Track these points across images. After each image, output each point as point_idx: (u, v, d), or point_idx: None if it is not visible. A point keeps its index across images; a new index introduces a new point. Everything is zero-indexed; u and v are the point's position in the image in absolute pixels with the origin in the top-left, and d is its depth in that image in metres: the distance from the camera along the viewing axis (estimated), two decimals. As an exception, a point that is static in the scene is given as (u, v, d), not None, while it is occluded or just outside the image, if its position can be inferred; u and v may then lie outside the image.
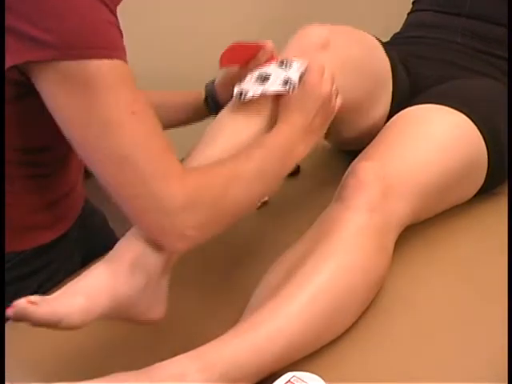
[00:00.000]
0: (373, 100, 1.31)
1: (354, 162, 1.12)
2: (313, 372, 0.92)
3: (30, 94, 0.92)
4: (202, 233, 0.95)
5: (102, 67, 0.86)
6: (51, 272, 1.17)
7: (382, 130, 1.20)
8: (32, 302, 0.85)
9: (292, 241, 1.11)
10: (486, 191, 1.26)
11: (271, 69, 1.11)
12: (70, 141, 0.91)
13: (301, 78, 1.09)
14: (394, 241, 1.08)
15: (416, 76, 1.39)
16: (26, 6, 0.84)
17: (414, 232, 1.14)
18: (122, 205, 0.92)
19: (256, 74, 1.11)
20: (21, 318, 0.85)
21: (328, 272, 0.99)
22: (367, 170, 1.08)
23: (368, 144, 1.18)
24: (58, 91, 0.88)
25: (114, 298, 0.92)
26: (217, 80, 1.27)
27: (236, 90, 1.10)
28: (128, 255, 0.95)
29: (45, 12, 0.84)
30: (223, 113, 1.12)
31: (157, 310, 0.99)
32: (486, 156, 1.20)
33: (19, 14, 0.84)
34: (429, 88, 1.33)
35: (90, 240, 1.28)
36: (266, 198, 1.34)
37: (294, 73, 1.09)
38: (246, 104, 1.09)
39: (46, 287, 1.12)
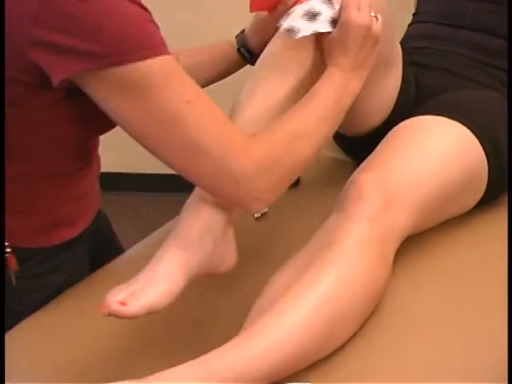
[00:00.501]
0: (387, 66, 1.29)
1: (354, 173, 1.13)
2: (312, 382, 0.92)
3: (74, 95, 0.94)
4: (275, 192, 1.01)
5: (150, 67, 0.88)
6: (72, 267, 1.21)
7: (384, 140, 1.20)
8: (122, 303, 0.92)
9: (292, 251, 1.11)
10: (486, 202, 1.26)
11: (318, 5, 1.09)
12: (133, 138, 0.94)
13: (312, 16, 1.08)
14: (395, 251, 1.08)
15: (421, 85, 1.39)
16: (65, 21, 0.84)
17: (414, 242, 1.14)
18: (199, 184, 0.99)
19: (304, 8, 1.09)
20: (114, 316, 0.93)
21: (329, 282, 0.99)
22: (368, 181, 1.08)
23: (370, 127, 1.22)
24: (111, 97, 0.90)
25: (190, 272, 0.99)
26: (247, 28, 1.29)
27: (284, 25, 1.08)
28: (195, 230, 1.01)
29: (85, 24, 0.84)
30: (264, 61, 1.14)
31: (228, 260, 1.07)
32: (487, 168, 1.21)
33: (58, 28, 0.84)
34: (432, 97, 1.34)
35: (97, 239, 1.29)
36: (266, 210, 1.34)
37: (336, 12, 1.08)
38: (287, 49, 1.11)
39: (68, 282, 1.19)
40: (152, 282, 0.96)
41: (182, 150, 0.93)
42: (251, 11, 1.22)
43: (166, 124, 0.91)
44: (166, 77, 0.90)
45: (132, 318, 0.93)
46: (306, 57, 1.12)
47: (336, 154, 1.53)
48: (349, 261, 1.01)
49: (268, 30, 1.21)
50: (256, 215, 1.32)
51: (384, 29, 1.12)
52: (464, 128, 1.19)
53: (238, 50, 1.30)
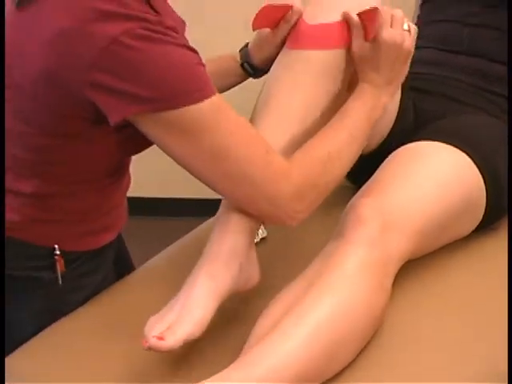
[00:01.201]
0: None
1: (353, 198, 1.13)
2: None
3: (123, 129, 1.00)
4: (310, 210, 1.07)
5: (200, 109, 0.94)
6: (107, 269, 1.27)
7: (383, 165, 1.21)
8: (160, 338, 0.98)
9: (292, 276, 1.10)
10: (483, 227, 1.26)
11: None
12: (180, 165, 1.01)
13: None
14: (394, 276, 1.08)
15: (420, 110, 1.40)
16: (122, 67, 0.90)
17: (412, 266, 1.14)
18: (241, 206, 1.07)
19: None
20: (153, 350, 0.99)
21: (328, 308, 0.99)
22: (367, 205, 1.09)
23: (368, 149, 1.23)
24: (163, 136, 0.97)
25: (220, 298, 1.05)
26: (250, 44, 1.31)
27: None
28: (221, 256, 1.07)
29: (141, 71, 0.90)
30: (283, 70, 1.17)
31: (253, 279, 1.12)
32: (485, 192, 1.21)
33: (116, 73, 0.90)
34: (431, 122, 1.34)
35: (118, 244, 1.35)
36: (265, 235, 1.34)
37: None
38: (307, 60, 1.14)
39: (104, 282, 1.25)
40: (186, 312, 1.01)
41: (226, 178, 1.01)
42: (254, 29, 1.24)
43: (213, 157, 0.98)
44: (213, 117, 0.96)
45: (169, 351, 0.99)
46: (335, 70, 1.16)
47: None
48: (347, 286, 1.01)
49: (270, 46, 1.25)
50: (256, 240, 1.32)
51: None
52: (463, 154, 1.20)
53: (242, 65, 1.31)
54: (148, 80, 0.91)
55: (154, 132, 0.96)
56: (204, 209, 2.22)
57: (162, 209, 2.80)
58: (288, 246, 1.34)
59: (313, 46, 1.15)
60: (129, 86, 0.90)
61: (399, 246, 1.07)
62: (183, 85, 0.93)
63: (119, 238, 1.32)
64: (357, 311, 1.01)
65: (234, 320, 1.14)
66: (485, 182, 1.20)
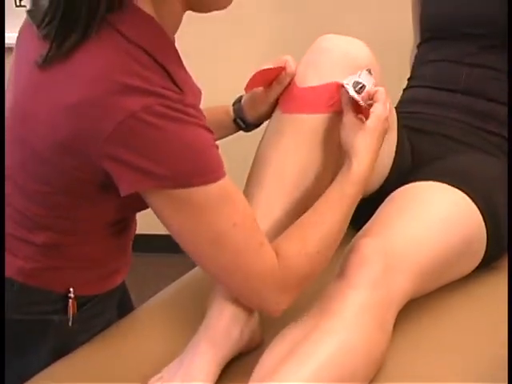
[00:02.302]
0: None
1: (355, 238, 1.13)
2: None
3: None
4: (291, 301, 1.06)
5: (210, 191, 0.94)
6: (113, 311, 1.28)
7: (383, 206, 1.21)
8: None
9: (291, 317, 1.10)
10: (483, 266, 1.26)
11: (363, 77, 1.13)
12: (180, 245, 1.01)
13: (358, 90, 1.12)
14: (395, 317, 1.08)
15: (417, 150, 1.41)
16: (138, 143, 0.90)
17: (413, 307, 1.14)
18: (227, 289, 1.09)
19: (352, 83, 1.12)
20: None
21: (329, 351, 0.99)
22: (368, 246, 1.09)
23: (366, 193, 1.21)
24: (168, 211, 0.96)
25: (221, 365, 1.09)
26: (243, 101, 1.32)
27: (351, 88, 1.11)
28: (222, 323, 1.09)
29: (156, 149, 0.91)
30: (276, 135, 1.19)
31: (255, 341, 1.15)
32: (485, 233, 1.22)
33: (131, 148, 0.90)
34: (429, 162, 1.35)
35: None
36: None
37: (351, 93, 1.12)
38: (302, 129, 1.16)
39: (108, 325, 1.25)
40: (189, 379, 1.05)
41: (217, 264, 1.01)
42: (247, 91, 1.26)
43: (209, 241, 0.98)
44: (220, 201, 0.96)
45: None
46: (326, 134, 1.17)
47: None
48: (348, 329, 1.01)
49: (263, 105, 1.27)
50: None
51: None
52: (462, 194, 1.21)
53: (235, 120, 1.33)
54: (162, 158, 0.91)
55: (158, 204, 0.96)
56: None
57: (156, 245, 2.79)
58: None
59: (303, 110, 1.18)
60: (143, 162, 0.91)
61: (401, 288, 1.07)
62: (198, 166, 0.93)
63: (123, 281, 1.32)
64: (357, 353, 1.01)
65: (235, 361, 1.14)
66: (485, 222, 1.21)
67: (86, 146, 0.92)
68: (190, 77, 1.06)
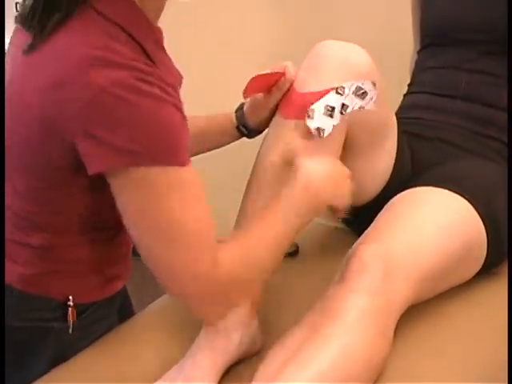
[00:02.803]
0: (381, 140, 1.32)
1: (355, 244, 1.13)
2: None
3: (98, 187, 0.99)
4: (229, 308, 1.06)
5: (174, 174, 0.93)
6: (113, 317, 1.27)
7: (383, 211, 1.21)
8: None
9: (292, 322, 1.10)
10: (484, 272, 1.26)
11: (332, 98, 1.16)
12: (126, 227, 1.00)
13: (359, 93, 1.14)
14: (395, 323, 1.08)
15: (417, 156, 1.41)
16: (110, 119, 0.89)
17: (413, 312, 1.14)
18: (160, 281, 1.02)
19: (322, 106, 1.15)
20: None
21: (330, 356, 0.99)
22: (369, 252, 1.09)
23: (366, 199, 1.25)
24: (128, 192, 0.95)
25: (222, 370, 1.09)
26: (245, 108, 1.33)
27: (312, 126, 1.15)
28: (222, 328, 1.10)
29: (129, 126, 0.89)
30: (275, 140, 1.20)
31: (255, 346, 1.15)
32: (486, 238, 1.22)
33: (103, 125, 0.89)
34: (429, 168, 1.36)
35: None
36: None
37: (347, 97, 1.15)
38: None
39: (108, 331, 1.24)
40: None
41: (161, 253, 0.97)
42: (246, 97, 1.28)
43: (160, 229, 0.95)
44: (181, 187, 0.95)
45: None
46: (324, 139, 1.17)
47: (335, 222, 1.53)
48: (349, 334, 1.01)
49: (264, 110, 1.28)
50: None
51: (377, 105, 1.16)
52: (462, 199, 1.21)
53: (237, 127, 1.34)
54: (134, 134, 0.90)
55: (121, 185, 0.95)
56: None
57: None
58: (289, 291, 1.33)
59: (302, 115, 1.18)
60: (115, 138, 0.89)
61: (401, 294, 1.07)
62: (168, 144, 0.92)
63: (124, 286, 1.32)
64: (358, 358, 1.00)
65: (235, 367, 1.14)
66: (485, 228, 1.21)
67: (60, 125, 0.91)
68: (170, 59, 1.06)
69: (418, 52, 1.61)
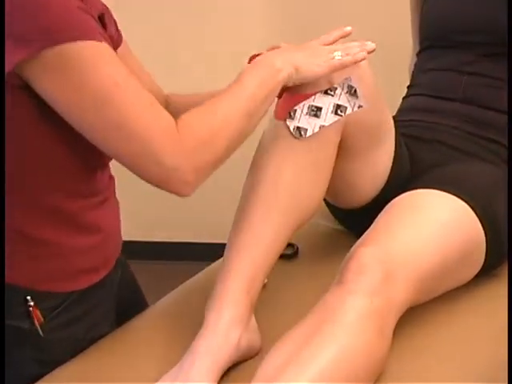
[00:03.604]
0: (379, 142, 1.32)
1: (354, 247, 1.13)
2: None
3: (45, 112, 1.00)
4: (198, 175, 1.03)
5: (82, 48, 0.94)
6: (97, 316, 1.24)
7: (382, 214, 1.21)
8: None
9: (291, 323, 1.10)
10: (483, 274, 1.26)
11: (319, 99, 1.16)
12: (72, 125, 1.00)
13: (352, 92, 1.14)
14: (395, 324, 1.08)
15: (416, 158, 1.41)
16: (9, 6, 0.92)
17: (412, 315, 1.14)
18: (125, 164, 1.02)
19: (305, 107, 1.16)
20: None
21: (329, 357, 0.99)
22: (368, 254, 1.09)
23: (364, 201, 1.26)
24: (47, 81, 0.96)
25: (220, 372, 1.09)
26: None
27: (292, 126, 1.16)
28: (220, 329, 1.10)
29: (22, 11, 0.91)
30: (271, 143, 1.20)
31: (254, 347, 1.15)
32: (485, 240, 1.22)
33: (8, 15, 0.92)
34: (428, 170, 1.36)
35: (122, 292, 1.32)
36: (265, 280, 1.34)
37: (341, 96, 1.15)
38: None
39: (92, 332, 1.22)
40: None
41: (109, 131, 0.98)
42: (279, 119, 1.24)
43: (95, 106, 0.96)
44: (96, 60, 0.96)
45: None
46: (317, 141, 1.19)
47: (334, 224, 1.53)
48: (348, 336, 1.01)
49: None
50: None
51: (373, 107, 1.19)
52: (461, 201, 1.21)
53: None
54: (30, 19, 0.92)
55: (40, 80, 0.96)
56: (202, 253, 2.24)
57: (155, 252, 2.80)
58: (288, 292, 1.34)
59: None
60: (12, 26, 0.91)
61: (400, 295, 1.07)
62: (65, 23, 0.93)
63: (122, 285, 1.30)
64: (357, 359, 1.01)
65: (235, 366, 1.14)
66: (484, 230, 1.21)
67: None
68: None
69: (418, 54, 1.61)
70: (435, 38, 1.55)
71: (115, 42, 1.14)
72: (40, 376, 1.15)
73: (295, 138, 1.17)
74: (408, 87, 1.61)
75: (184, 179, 1.01)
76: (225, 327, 1.10)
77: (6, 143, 1.03)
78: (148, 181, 1.03)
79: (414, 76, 1.60)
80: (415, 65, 1.62)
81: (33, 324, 1.13)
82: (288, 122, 1.17)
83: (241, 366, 1.14)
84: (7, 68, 0.95)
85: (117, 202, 1.26)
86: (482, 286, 1.26)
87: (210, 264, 1.48)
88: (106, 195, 1.20)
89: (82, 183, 1.13)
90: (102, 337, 1.24)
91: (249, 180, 1.22)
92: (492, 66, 1.44)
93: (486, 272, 1.26)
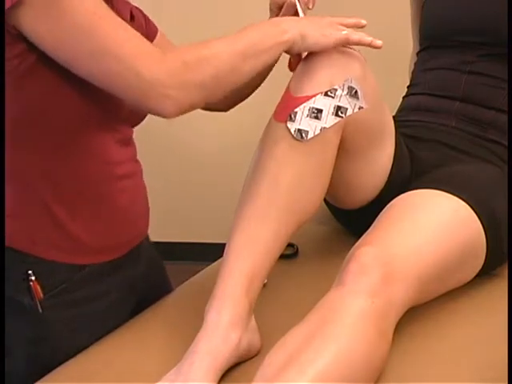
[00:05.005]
0: (379, 142, 1.32)
1: (354, 247, 1.13)
2: None
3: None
4: (184, 94, 1.05)
5: None
6: (100, 305, 1.25)
7: (382, 214, 1.21)
8: None
9: (291, 323, 1.10)
10: (484, 273, 1.26)
11: (319, 101, 1.16)
12: (62, 64, 1.05)
13: (353, 93, 1.14)
14: (395, 325, 1.08)
15: (416, 158, 1.41)
16: None
17: (412, 315, 1.14)
18: (109, 87, 1.06)
19: (306, 109, 1.16)
20: None
21: (330, 357, 0.99)
22: (368, 254, 1.09)
23: (364, 201, 1.26)
24: (32, 21, 1.01)
25: (220, 372, 1.08)
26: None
27: (293, 128, 1.15)
28: (220, 329, 1.09)
29: None
30: (272, 145, 1.19)
31: (253, 347, 1.15)
32: (485, 240, 1.22)
33: None
34: (429, 170, 1.36)
35: (146, 286, 1.35)
36: (265, 281, 1.34)
37: (341, 98, 1.15)
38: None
39: (95, 318, 1.24)
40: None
41: (95, 58, 1.02)
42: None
43: (78, 34, 1.01)
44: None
45: None
46: (318, 144, 1.19)
47: (334, 224, 1.53)
48: (349, 336, 1.01)
49: None
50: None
51: (374, 108, 1.19)
52: (461, 201, 1.20)
53: None
54: None
55: (29, 23, 1.00)
56: (202, 253, 2.24)
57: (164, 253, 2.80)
58: (289, 293, 1.34)
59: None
60: None
61: (400, 295, 1.07)
62: None
63: (147, 279, 1.33)
64: (357, 360, 1.00)
65: (235, 366, 1.14)
66: (484, 230, 1.21)
67: None
68: None
69: (418, 53, 1.61)
70: (435, 38, 1.55)
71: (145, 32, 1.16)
72: (34, 355, 1.18)
73: (296, 140, 1.17)
74: (408, 87, 1.61)
75: (165, 93, 1.02)
76: (225, 328, 1.10)
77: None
78: (129, 99, 1.08)
79: (414, 75, 1.60)
80: (415, 64, 1.61)
81: (32, 299, 1.15)
82: (289, 125, 1.17)
83: (241, 367, 1.14)
84: (9, 23, 1.00)
85: (143, 190, 1.29)
86: (481, 286, 1.26)
87: (210, 264, 1.48)
88: (128, 171, 1.23)
89: (103, 147, 1.18)
90: (102, 326, 1.25)
91: (248, 180, 1.22)
92: (492, 66, 1.44)
93: (487, 272, 1.26)
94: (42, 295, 1.16)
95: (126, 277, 1.28)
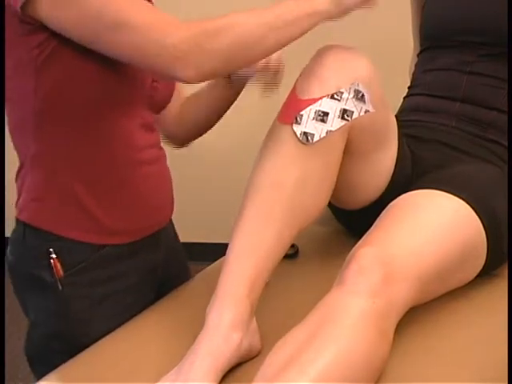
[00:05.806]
0: (382, 144, 1.32)
1: (355, 247, 1.13)
2: None
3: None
4: (203, 58, 1.06)
5: None
6: (119, 285, 1.28)
7: (382, 214, 1.21)
8: None
9: (292, 323, 1.10)
10: (485, 273, 1.26)
11: (325, 104, 1.15)
12: (86, 45, 1.09)
13: (359, 97, 1.14)
14: (395, 325, 1.08)
15: (418, 158, 1.41)
16: None
17: (413, 316, 1.14)
18: (130, 59, 1.09)
19: (312, 112, 1.15)
20: None
21: (330, 357, 0.99)
22: (368, 255, 1.09)
23: (367, 202, 1.26)
24: (55, 12, 1.05)
25: (221, 372, 1.08)
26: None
27: (298, 131, 1.15)
28: (221, 329, 1.09)
29: None
30: (275, 147, 1.19)
31: (254, 348, 1.15)
32: (485, 240, 1.22)
33: None
34: (429, 170, 1.36)
35: (168, 274, 1.39)
36: (267, 280, 1.34)
37: (347, 101, 1.15)
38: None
39: (113, 298, 1.27)
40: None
41: (112, 30, 1.05)
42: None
43: (94, 10, 1.05)
44: None
45: None
46: (323, 146, 1.18)
47: (335, 224, 1.54)
48: (349, 337, 1.01)
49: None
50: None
51: (377, 109, 1.18)
52: (462, 202, 1.20)
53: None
54: None
55: (49, 14, 1.04)
56: (202, 253, 2.24)
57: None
58: (289, 293, 1.34)
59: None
60: None
61: (401, 296, 1.07)
62: None
63: (164, 264, 1.36)
64: (357, 361, 1.01)
65: (235, 366, 1.14)
66: (485, 230, 1.21)
67: None
68: None
69: (418, 54, 1.61)
70: (436, 38, 1.55)
71: None
72: (57, 329, 1.23)
73: (302, 143, 1.17)
74: (409, 87, 1.61)
75: (185, 58, 1.05)
76: (226, 328, 1.10)
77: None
78: (151, 66, 1.10)
79: (415, 76, 1.60)
80: (416, 65, 1.62)
81: (52, 276, 1.20)
82: (295, 127, 1.16)
83: (241, 367, 1.14)
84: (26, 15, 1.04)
85: (167, 177, 1.33)
86: (482, 286, 1.26)
87: (210, 264, 1.48)
88: (152, 156, 1.26)
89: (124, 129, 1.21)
90: (123, 308, 1.29)
91: (252, 182, 1.21)
92: (493, 66, 1.44)
93: (487, 272, 1.26)
94: (62, 273, 1.19)
95: (146, 261, 1.31)
